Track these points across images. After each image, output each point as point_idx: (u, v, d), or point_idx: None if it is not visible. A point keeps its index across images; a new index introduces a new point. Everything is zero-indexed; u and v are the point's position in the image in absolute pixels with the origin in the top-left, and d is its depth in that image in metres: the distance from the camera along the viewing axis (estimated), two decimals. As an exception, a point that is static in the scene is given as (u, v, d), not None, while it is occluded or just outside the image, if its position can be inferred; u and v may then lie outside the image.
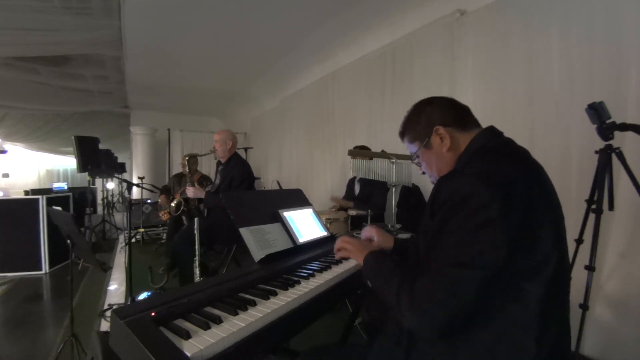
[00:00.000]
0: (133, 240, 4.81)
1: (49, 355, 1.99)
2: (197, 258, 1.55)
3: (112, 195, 6.97)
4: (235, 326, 0.72)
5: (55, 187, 8.07)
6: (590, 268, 1.48)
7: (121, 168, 5.92)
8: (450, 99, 0.92)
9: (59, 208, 2.95)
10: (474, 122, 0.89)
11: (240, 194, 1.61)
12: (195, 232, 1.51)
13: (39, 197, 3.69)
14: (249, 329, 0.74)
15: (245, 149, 5.57)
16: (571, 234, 1.61)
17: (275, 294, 0.91)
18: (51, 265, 3.68)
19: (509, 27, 2.24)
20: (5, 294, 3.10)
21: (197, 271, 1.55)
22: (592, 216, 1.50)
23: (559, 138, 1.95)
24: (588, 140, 1.70)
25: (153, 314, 0.72)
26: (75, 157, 3.97)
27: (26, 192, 6.69)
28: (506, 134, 0.87)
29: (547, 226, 0.70)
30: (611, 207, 1.45)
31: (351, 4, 2.97)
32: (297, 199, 1.60)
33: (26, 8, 2.81)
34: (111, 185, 6.94)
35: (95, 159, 4.12)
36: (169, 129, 6.78)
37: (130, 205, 3.13)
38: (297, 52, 4.12)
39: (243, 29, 3.51)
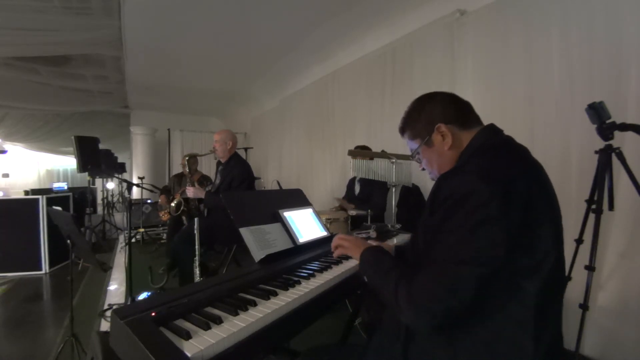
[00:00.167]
0: (133, 240, 4.81)
1: (49, 355, 1.99)
2: (197, 258, 1.55)
3: (112, 195, 6.97)
4: (236, 326, 0.72)
5: (55, 187, 8.07)
6: (590, 268, 1.48)
7: (121, 168, 5.92)
8: (451, 94, 0.91)
9: (59, 208, 2.95)
10: (475, 119, 0.89)
11: (240, 194, 1.61)
12: (195, 232, 1.51)
13: (39, 197, 3.69)
14: (250, 329, 0.74)
15: (245, 149, 5.57)
16: (571, 234, 1.62)
17: (275, 294, 0.91)
18: (51, 265, 3.68)
19: (509, 27, 2.24)
20: (5, 294, 3.10)
21: (197, 271, 1.55)
22: (592, 216, 1.50)
23: (559, 138, 1.95)
24: (588, 140, 1.70)
25: (153, 314, 0.72)
26: (75, 157, 3.98)
27: (26, 192, 6.69)
28: (506, 134, 0.86)
29: (547, 225, 0.70)
30: (611, 207, 1.45)
31: (351, 4, 2.97)
32: (297, 199, 1.60)
33: (26, 8, 2.81)
34: (111, 185, 6.94)
35: (95, 159, 4.12)
36: (169, 129, 6.77)
37: (130, 205, 3.13)
38: (297, 52, 4.12)
39: (243, 29, 3.51)
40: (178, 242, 2.44)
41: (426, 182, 2.73)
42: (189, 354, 0.62)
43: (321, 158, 4.44)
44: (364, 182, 2.94)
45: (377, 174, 2.20)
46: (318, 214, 1.60)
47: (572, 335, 1.53)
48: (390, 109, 3.25)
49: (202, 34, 3.63)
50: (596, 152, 1.50)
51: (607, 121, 1.41)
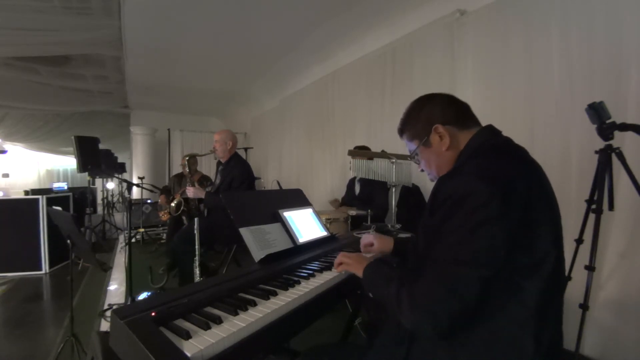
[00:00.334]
0: (133, 240, 4.81)
1: (49, 355, 1.99)
2: (197, 258, 1.55)
3: (112, 195, 6.97)
4: (236, 326, 0.73)
5: (55, 187, 8.08)
6: (590, 268, 1.48)
7: (121, 168, 5.92)
8: (450, 95, 0.91)
9: (59, 208, 2.95)
10: (474, 120, 0.89)
11: (240, 194, 1.61)
12: (195, 232, 1.51)
13: (39, 197, 3.69)
14: (249, 329, 0.74)
15: (245, 149, 5.57)
16: (571, 234, 1.62)
17: (275, 294, 0.91)
18: (51, 265, 3.68)
19: (509, 27, 2.24)
20: (5, 294, 3.10)
21: (197, 271, 1.55)
22: (592, 216, 1.50)
23: (559, 138, 1.95)
24: (588, 140, 1.70)
25: (153, 314, 0.72)
26: (75, 157, 3.98)
27: (26, 192, 6.69)
28: (506, 134, 0.87)
29: (546, 224, 0.70)
30: (611, 207, 1.45)
31: (351, 4, 2.97)
32: (297, 199, 1.60)
33: (26, 8, 2.81)
34: (111, 185, 6.94)
35: (95, 159, 4.12)
36: (169, 129, 6.77)
37: (130, 205, 3.13)
38: (297, 52, 4.12)
39: (243, 29, 3.51)
40: (178, 242, 2.44)
41: (426, 182, 2.73)
42: (188, 354, 0.62)
43: (321, 158, 4.44)
44: (364, 182, 2.94)
45: (377, 174, 2.20)
46: (318, 214, 1.60)
47: (572, 335, 1.52)
48: (390, 109, 3.25)
49: (202, 34, 3.63)
50: (596, 152, 1.49)
51: (607, 121, 1.41)
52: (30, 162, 11.68)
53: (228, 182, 2.61)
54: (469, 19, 2.52)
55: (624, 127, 1.37)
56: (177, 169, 5.83)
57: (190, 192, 2.75)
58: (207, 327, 0.71)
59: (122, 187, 7.36)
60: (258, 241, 1.21)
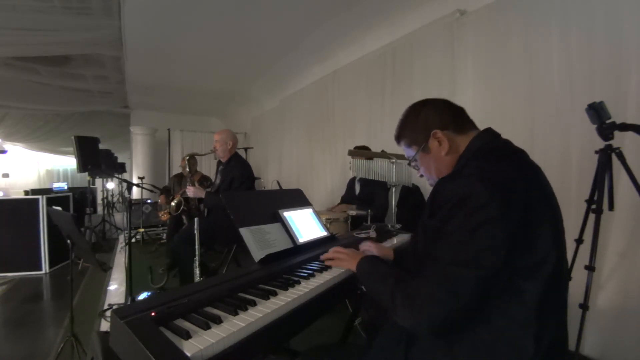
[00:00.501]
0: (133, 240, 4.81)
1: (49, 355, 1.99)
2: (197, 258, 1.55)
3: (112, 195, 6.97)
4: (235, 326, 0.72)
5: (55, 187, 8.08)
6: (590, 268, 1.48)
7: (121, 168, 5.92)
8: (444, 100, 0.92)
9: (59, 208, 2.95)
10: (471, 123, 0.89)
11: (240, 194, 1.61)
12: (195, 232, 1.51)
13: (39, 197, 3.69)
14: (249, 329, 0.74)
15: (245, 149, 5.57)
16: (571, 234, 1.62)
17: (275, 294, 0.91)
18: (51, 265, 3.68)
19: (509, 27, 2.24)
20: (5, 294, 3.10)
21: (197, 271, 1.55)
22: (592, 216, 1.50)
23: (559, 138, 1.95)
24: (588, 140, 1.70)
25: (153, 314, 0.72)
26: (75, 157, 3.97)
27: (26, 192, 6.69)
28: (506, 134, 0.87)
29: (546, 226, 0.70)
30: (611, 207, 1.45)
31: (351, 4, 2.97)
32: (297, 199, 1.60)
33: (26, 8, 2.81)
34: (111, 185, 6.94)
35: (95, 159, 4.12)
36: (169, 129, 6.77)
37: (130, 205, 3.13)
38: (297, 52, 4.12)
39: (243, 29, 3.51)
40: (178, 242, 2.44)
41: (426, 182, 2.71)
42: (188, 354, 0.62)
43: (321, 158, 4.44)
44: (364, 182, 2.94)
45: (377, 174, 2.20)
46: (318, 214, 1.60)
47: (572, 335, 1.52)
48: (390, 109, 3.25)
49: (202, 34, 3.63)
50: (596, 152, 1.49)
51: (607, 121, 1.41)
52: (30, 162, 11.68)
53: (228, 182, 2.61)
54: (469, 19, 2.52)
55: (624, 127, 1.38)
56: (177, 169, 5.82)
57: (191, 191, 2.75)
58: (207, 327, 0.71)
59: (122, 187, 7.36)
60: (258, 241, 1.21)
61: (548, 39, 2.02)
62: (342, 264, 1.10)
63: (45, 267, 3.64)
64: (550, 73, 2.01)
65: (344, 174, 3.76)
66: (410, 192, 2.59)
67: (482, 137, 0.85)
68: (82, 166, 3.92)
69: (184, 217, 3.37)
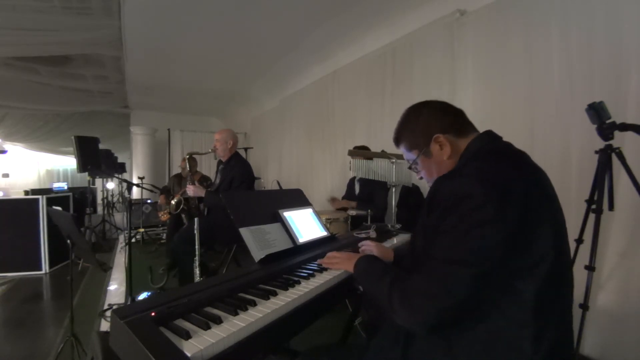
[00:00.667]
0: (133, 240, 4.81)
1: (49, 355, 1.99)
2: (197, 258, 1.55)
3: (112, 195, 6.97)
4: (236, 326, 0.72)
5: (55, 187, 8.08)
6: (590, 268, 1.48)
7: (121, 168, 5.92)
8: (443, 102, 0.91)
9: (59, 208, 2.95)
10: (471, 126, 0.89)
11: (240, 194, 1.61)
12: (195, 232, 1.51)
13: (39, 197, 3.69)
14: (249, 329, 0.74)
15: (245, 149, 5.57)
16: (571, 234, 1.60)
17: (275, 294, 0.91)
18: (51, 265, 3.68)
19: (509, 27, 2.24)
20: (5, 294, 3.10)
21: (197, 271, 1.55)
22: (592, 216, 1.50)
23: (559, 138, 1.95)
24: (588, 140, 1.70)
25: (153, 314, 0.72)
26: (75, 157, 3.96)
27: (26, 192, 6.69)
28: (506, 134, 0.87)
29: (546, 226, 0.70)
30: (611, 207, 1.45)
31: (351, 4, 2.97)
32: (297, 199, 1.60)
33: (26, 8, 2.81)
34: (111, 185, 6.94)
35: (95, 159, 4.11)
36: (169, 129, 6.78)
37: (130, 205, 3.13)
38: (297, 52, 4.12)
39: (243, 29, 3.51)
40: (178, 242, 2.44)
41: (426, 182, 2.73)
42: (188, 354, 0.62)
43: (321, 158, 4.44)
44: (364, 182, 2.94)
45: (377, 174, 2.20)
46: (318, 214, 1.60)
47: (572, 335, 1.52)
48: (390, 109, 3.25)
49: (202, 34, 3.63)
50: (596, 152, 1.49)
51: (607, 121, 1.41)
52: (30, 162, 11.68)
53: (228, 182, 2.61)
54: (469, 19, 2.52)
55: (624, 127, 1.38)
56: (177, 169, 5.83)
57: (191, 190, 2.74)
58: (207, 327, 0.71)
59: (122, 187, 7.37)
60: (258, 241, 1.21)
61: (548, 39, 2.02)
62: (338, 266, 1.11)
63: (45, 267, 3.64)
64: (550, 73, 2.01)
65: (344, 174, 3.76)
66: (410, 192, 2.60)
67: (482, 139, 0.85)
68: (82, 166, 3.91)
69: (183, 217, 3.37)
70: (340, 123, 4.05)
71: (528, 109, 2.12)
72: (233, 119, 7.58)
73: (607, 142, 1.44)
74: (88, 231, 4.85)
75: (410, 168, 0.97)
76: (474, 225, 0.66)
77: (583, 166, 1.78)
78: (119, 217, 6.62)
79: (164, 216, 3.81)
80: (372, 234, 1.67)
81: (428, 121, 0.88)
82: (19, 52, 3.76)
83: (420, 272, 0.72)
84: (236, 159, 2.72)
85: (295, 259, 1.22)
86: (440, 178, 0.78)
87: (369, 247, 1.27)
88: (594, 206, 1.50)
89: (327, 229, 1.58)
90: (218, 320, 0.74)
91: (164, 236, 4.76)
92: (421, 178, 0.97)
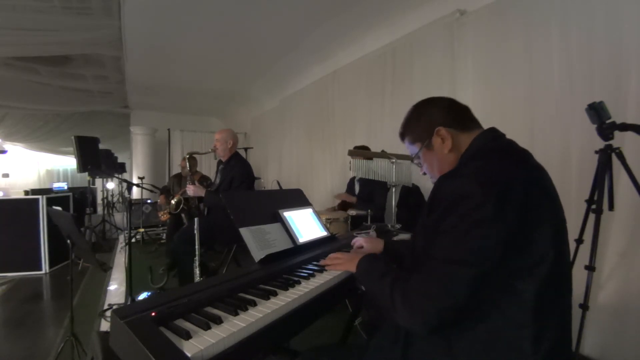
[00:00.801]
0: (133, 240, 4.81)
1: (49, 355, 1.99)
2: (197, 258, 1.55)
3: (112, 195, 6.97)
4: (236, 326, 0.72)
5: (55, 187, 8.08)
6: (590, 268, 1.48)
7: (121, 168, 5.92)
8: (450, 99, 0.92)
9: (59, 208, 2.95)
10: (475, 122, 0.89)
11: (240, 194, 1.61)
12: (195, 232, 1.51)
13: (39, 197, 3.69)
14: (250, 329, 0.74)
15: (245, 149, 5.57)
16: (571, 234, 1.60)
17: (275, 294, 0.91)
18: (51, 265, 3.68)
19: (509, 27, 2.24)
20: (5, 294, 3.10)
21: (197, 271, 1.55)
22: (592, 216, 1.50)
23: (559, 138, 1.95)
24: (588, 140, 1.70)
25: (153, 314, 0.72)
26: (75, 157, 3.97)
27: (26, 192, 6.69)
28: (506, 134, 0.87)
29: (546, 226, 0.70)
30: (611, 207, 1.45)
31: (351, 4, 2.97)
32: (297, 199, 1.60)
33: (26, 8, 2.81)
34: (111, 185, 6.94)
35: (95, 159, 4.11)
36: (169, 129, 6.77)
37: (130, 205, 3.13)
38: (297, 52, 4.12)
39: (243, 29, 3.51)
40: (178, 242, 2.44)
41: (426, 182, 2.73)
42: (188, 354, 0.62)
43: (321, 158, 4.43)
44: (364, 182, 2.94)
45: (377, 174, 2.20)
46: (318, 214, 1.60)
47: (572, 335, 1.52)
48: (390, 109, 3.25)
49: (202, 34, 3.63)
50: (596, 152, 1.49)
51: (607, 121, 1.41)
52: (30, 162, 11.68)
53: (228, 181, 2.61)
54: (469, 19, 2.52)
55: (624, 127, 1.37)
56: (177, 169, 5.83)
57: (191, 190, 2.74)
58: (207, 327, 0.71)
59: (122, 187, 7.37)
60: (258, 241, 1.21)
61: (548, 39, 2.02)
62: (341, 267, 1.11)
63: (45, 267, 3.64)
64: (550, 73, 2.01)
65: (344, 174, 3.76)
66: (410, 192, 2.59)
67: (485, 136, 0.85)
68: (82, 166, 3.92)
69: (183, 217, 3.37)
70: (340, 123, 4.05)
71: (528, 109, 2.12)
72: (233, 119, 7.58)
73: (607, 142, 1.44)
74: (88, 231, 4.85)
75: (412, 161, 0.98)
76: (474, 225, 0.67)
77: (583, 166, 1.78)
78: (119, 217, 6.62)
79: (164, 216, 3.81)
80: (372, 233, 1.67)
81: (432, 115, 0.89)
82: (19, 52, 3.76)
83: (421, 272, 0.72)
84: (236, 159, 2.72)
85: (296, 259, 1.22)
86: (442, 177, 0.78)
87: (358, 241, 1.30)
88: (594, 206, 1.50)
89: (327, 229, 1.58)
90: (218, 321, 0.74)
91: (164, 236, 4.76)
92: (424, 173, 0.97)
